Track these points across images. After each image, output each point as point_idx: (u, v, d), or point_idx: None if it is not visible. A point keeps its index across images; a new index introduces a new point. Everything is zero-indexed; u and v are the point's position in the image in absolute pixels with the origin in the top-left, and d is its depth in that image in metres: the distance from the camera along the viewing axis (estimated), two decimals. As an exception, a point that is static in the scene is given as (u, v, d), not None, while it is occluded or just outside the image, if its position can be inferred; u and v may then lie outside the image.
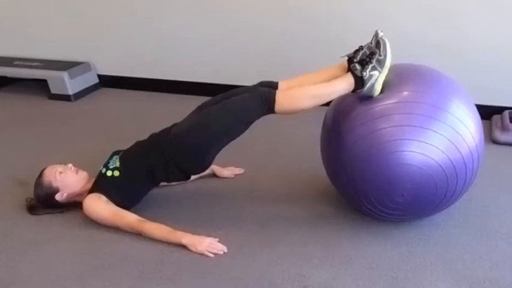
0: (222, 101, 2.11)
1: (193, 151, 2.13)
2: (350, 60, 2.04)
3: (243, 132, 2.10)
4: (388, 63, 1.97)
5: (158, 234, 2.08)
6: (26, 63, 4.04)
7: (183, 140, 2.13)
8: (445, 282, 1.84)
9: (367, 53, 2.00)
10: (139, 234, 2.12)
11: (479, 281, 1.84)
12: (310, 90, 2.01)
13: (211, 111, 2.10)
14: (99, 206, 2.17)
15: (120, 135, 3.11)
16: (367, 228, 2.15)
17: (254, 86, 2.14)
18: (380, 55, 1.96)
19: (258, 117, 2.05)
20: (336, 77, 2.05)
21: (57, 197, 2.27)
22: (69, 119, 3.55)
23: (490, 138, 2.94)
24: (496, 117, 3.09)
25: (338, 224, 2.19)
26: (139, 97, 3.93)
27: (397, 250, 2.01)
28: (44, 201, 2.30)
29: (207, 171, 2.57)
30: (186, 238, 2.04)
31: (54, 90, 3.91)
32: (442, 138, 1.87)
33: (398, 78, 2.03)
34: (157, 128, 2.32)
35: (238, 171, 2.66)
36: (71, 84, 3.87)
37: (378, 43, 1.98)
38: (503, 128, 2.93)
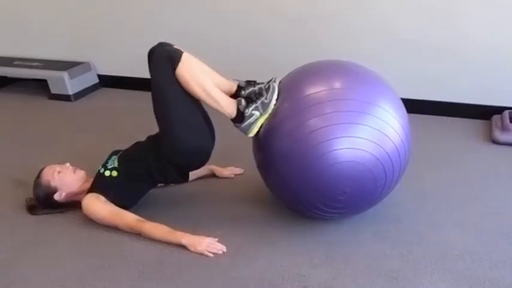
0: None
1: (181, 146, 2.10)
2: (239, 88, 2.10)
3: (183, 95, 2.05)
4: (270, 109, 2.00)
5: (157, 234, 2.08)
6: (26, 63, 4.04)
7: (168, 137, 2.11)
8: (445, 282, 1.84)
9: (256, 91, 2.04)
10: (139, 234, 2.12)
11: (479, 281, 1.84)
12: (207, 83, 2.03)
13: (152, 97, 2.10)
14: (98, 206, 2.17)
15: (119, 135, 3.11)
16: (367, 228, 2.15)
17: (156, 46, 2.12)
18: (266, 99, 2.00)
19: (172, 72, 2.01)
20: (223, 89, 2.08)
21: (56, 196, 2.27)
22: (69, 119, 3.55)
23: (490, 138, 2.94)
24: (496, 117, 3.09)
25: (338, 224, 2.19)
26: (139, 97, 3.91)
27: (397, 250, 2.01)
28: (43, 201, 2.30)
29: (207, 172, 2.58)
30: (186, 238, 2.04)
31: (54, 90, 3.91)
32: (370, 129, 1.87)
33: (325, 75, 2.02)
34: (157, 128, 2.31)
35: (238, 171, 2.66)
36: (71, 84, 3.88)
37: (268, 87, 2.02)
38: (503, 128, 2.93)
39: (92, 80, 4.10)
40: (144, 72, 3.99)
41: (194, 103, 2.10)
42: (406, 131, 1.99)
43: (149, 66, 2.11)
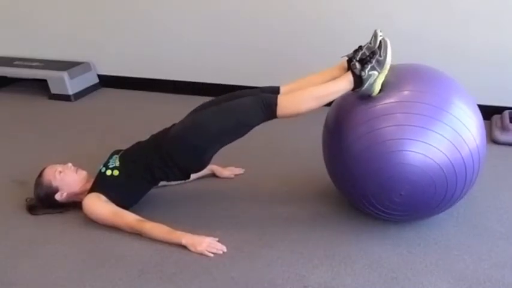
0: (223, 103, 2.11)
1: (192, 151, 2.13)
2: (349, 60, 2.05)
3: (242, 135, 2.11)
4: (387, 64, 1.97)
5: (158, 234, 2.08)
6: (26, 63, 4.04)
7: (182, 139, 2.13)
8: (445, 282, 1.84)
9: (367, 53, 2.01)
10: (139, 234, 2.12)
11: (479, 281, 1.84)
12: (311, 92, 2.02)
13: (212, 112, 2.10)
14: (98, 205, 2.17)
15: (120, 135, 3.11)
16: (367, 228, 2.15)
17: (256, 91, 2.16)
18: (380, 56, 1.97)
19: (260, 121, 2.05)
20: (335, 77, 2.06)
21: (57, 196, 2.27)
22: (69, 119, 3.55)
23: (490, 138, 2.94)
24: (496, 117, 3.09)
25: (338, 224, 2.19)
26: (139, 97, 3.93)
27: (397, 250, 2.01)
28: (43, 201, 2.30)
29: (207, 171, 2.58)
30: (186, 238, 2.04)
31: (54, 90, 3.91)
32: (442, 139, 1.86)
33: (399, 77, 2.03)
34: (157, 128, 2.32)
35: (239, 171, 2.66)
36: (71, 84, 3.88)
37: (380, 44, 1.99)
38: (503, 128, 2.93)
39: (92, 80, 4.10)
40: (144, 72, 4.04)
41: (232, 140, 2.13)
42: (479, 149, 1.93)
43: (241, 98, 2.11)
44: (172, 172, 2.22)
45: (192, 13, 3.64)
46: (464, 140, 1.89)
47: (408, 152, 1.86)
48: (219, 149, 2.17)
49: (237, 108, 2.06)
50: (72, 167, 2.34)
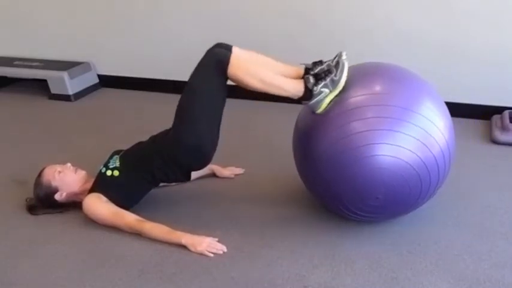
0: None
1: (191, 143, 2.11)
2: (306, 70, 2.07)
3: (220, 100, 2.08)
4: (340, 86, 1.98)
5: (158, 234, 2.08)
6: (26, 63, 4.04)
7: (178, 133, 2.12)
8: (445, 282, 1.84)
9: (325, 69, 2.02)
10: (139, 234, 2.12)
11: (479, 281, 1.84)
12: (264, 73, 2.02)
13: (182, 97, 2.12)
14: (98, 205, 2.17)
15: (120, 135, 3.11)
16: (367, 228, 2.15)
17: (209, 49, 2.13)
18: (335, 76, 1.98)
19: (214, 76, 2.03)
20: (287, 76, 2.07)
21: (57, 196, 2.27)
22: (69, 119, 3.55)
23: (490, 138, 2.94)
24: (496, 117, 3.09)
25: (338, 224, 2.19)
26: (139, 97, 3.93)
27: (397, 250, 2.02)
28: (43, 201, 2.30)
29: (207, 171, 2.58)
30: (186, 238, 2.04)
31: (54, 90, 3.91)
32: (412, 139, 1.86)
33: (368, 78, 2.02)
34: (157, 128, 2.32)
35: (239, 171, 2.66)
36: (71, 84, 3.88)
37: (337, 64, 2.00)
38: (503, 128, 2.93)
39: (92, 80, 4.10)
40: (144, 72, 4.04)
41: (217, 110, 2.11)
42: (449, 145, 1.95)
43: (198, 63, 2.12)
44: (173, 172, 2.22)
45: (192, 13, 3.64)
46: (434, 138, 1.89)
47: (380, 156, 1.86)
48: (216, 132, 2.14)
49: (193, 77, 2.07)
50: (71, 167, 2.34)
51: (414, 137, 1.86)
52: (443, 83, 3.25)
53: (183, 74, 3.96)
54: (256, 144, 2.84)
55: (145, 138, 2.35)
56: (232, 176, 2.63)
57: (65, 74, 3.85)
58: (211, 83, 2.05)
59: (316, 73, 2.02)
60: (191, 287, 1.86)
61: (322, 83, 1.98)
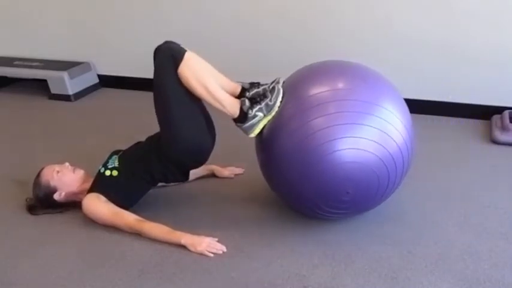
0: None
1: (180, 139, 2.10)
2: (243, 90, 2.09)
3: (188, 93, 2.05)
4: (274, 110, 1.99)
5: (157, 234, 2.08)
6: (26, 63, 4.04)
7: (167, 136, 2.12)
8: (445, 282, 1.84)
9: (261, 93, 2.04)
10: (138, 234, 2.12)
11: (479, 281, 1.84)
12: (209, 82, 2.02)
13: (153, 95, 2.10)
14: (98, 205, 2.17)
15: (120, 135, 3.11)
16: (367, 228, 2.15)
17: (159, 45, 2.10)
18: (270, 101, 1.99)
19: (169, 69, 2.01)
20: (227, 90, 2.08)
21: (56, 196, 2.27)
22: (69, 119, 3.55)
23: (490, 138, 2.94)
24: (496, 117, 3.09)
25: (338, 224, 2.19)
26: (139, 97, 3.92)
27: (397, 250, 2.01)
28: (42, 201, 2.30)
29: (207, 172, 2.58)
30: (185, 238, 2.04)
31: (54, 90, 3.91)
32: (374, 130, 1.87)
33: (329, 75, 2.02)
34: (157, 128, 2.31)
35: (239, 171, 2.66)
36: (71, 84, 3.88)
37: (273, 89, 2.01)
38: (503, 128, 2.93)
39: (92, 80, 4.10)
40: (144, 72, 4.03)
41: (195, 102, 2.10)
42: (409, 132, 1.99)
43: (154, 64, 2.10)
44: (171, 172, 2.22)
45: (192, 13, 3.65)
46: (394, 126, 1.91)
47: (343, 150, 1.86)
48: (204, 125, 2.13)
49: (157, 75, 2.05)
50: (70, 167, 2.34)
51: (376, 127, 1.87)
52: (443, 83, 3.26)
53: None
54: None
55: (144, 138, 2.35)
56: (232, 176, 2.63)
57: (65, 74, 3.85)
58: (175, 80, 2.02)
59: (252, 96, 2.04)
60: (191, 287, 1.86)
61: (257, 107, 2.00)
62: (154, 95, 2.10)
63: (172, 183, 2.42)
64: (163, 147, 2.15)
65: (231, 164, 2.66)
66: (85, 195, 2.22)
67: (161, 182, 2.31)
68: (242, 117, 2.04)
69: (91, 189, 2.23)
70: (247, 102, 2.03)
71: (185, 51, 2.02)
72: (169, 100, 2.05)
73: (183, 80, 2.01)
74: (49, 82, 3.90)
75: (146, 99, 3.84)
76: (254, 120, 2.02)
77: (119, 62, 4.06)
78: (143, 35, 3.86)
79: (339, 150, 1.86)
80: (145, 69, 3.97)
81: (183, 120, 2.08)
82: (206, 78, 2.03)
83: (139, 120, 3.44)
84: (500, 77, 3.13)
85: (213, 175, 2.62)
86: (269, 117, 2.02)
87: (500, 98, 3.16)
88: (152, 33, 3.84)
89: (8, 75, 4.08)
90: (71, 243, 2.14)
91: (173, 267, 1.96)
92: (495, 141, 2.91)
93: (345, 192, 1.94)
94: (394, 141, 1.91)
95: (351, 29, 3.30)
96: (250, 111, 2.01)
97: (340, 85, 1.96)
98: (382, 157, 1.89)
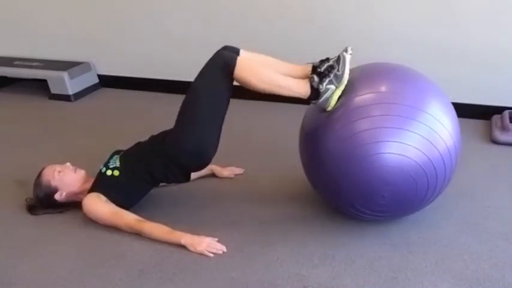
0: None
1: (190, 143, 2.11)
2: (314, 68, 2.07)
3: (223, 102, 2.08)
4: (345, 79, 1.98)
5: (157, 234, 2.08)
6: (26, 63, 4.04)
7: (179, 134, 2.12)
8: (445, 282, 1.84)
9: (330, 65, 2.02)
10: (138, 234, 2.12)
11: (479, 281, 1.84)
12: (270, 75, 2.02)
13: (186, 97, 2.12)
14: (98, 205, 2.17)
15: (120, 135, 3.11)
16: (367, 228, 2.15)
17: (217, 51, 2.13)
18: (338, 71, 1.98)
19: (220, 78, 2.03)
20: (296, 76, 2.07)
21: (57, 196, 2.27)
22: (69, 119, 3.55)
23: (490, 138, 2.94)
24: (496, 117, 3.09)
25: (338, 224, 2.19)
26: (139, 97, 3.93)
27: (397, 250, 2.02)
28: (43, 201, 2.30)
29: (207, 171, 2.58)
30: (185, 238, 2.04)
31: (54, 90, 3.91)
32: (419, 137, 1.86)
33: (375, 78, 2.02)
34: (157, 128, 2.32)
35: (239, 171, 2.66)
36: (71, 84, 3.88)
37: (338, 58, 2.00)
38: (503, 128, 2.93)
39: (92, 80, 4.10)
40: (144, 72, 4.04)
41: (220, 113, 2.11)
42: (454, 142, 1.95)
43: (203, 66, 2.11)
44: (173, 173, 2.22)
45: (192, 13, 3.64)
46: (440, 136, 1.89)
47: (386, 154, 1.86)
48: (214, 134, 2.14)
49: (198, 78, 2.07)
50: (71, 167, 2.34)
51: (421, 135, 1.86)
52: (443, 83, 3.24)
53: (183, 74, 3.98)
54: (256, 144, 2.84)
55: (145, 138, 2.35)
56: (232, 176, 2.63)
57: (65, 74, 3.85)
58: (216, 86, 2.05)
59: (320, 71, 2.01)
60: (191, 287, 1.86)
61: (327, 80, 1.98)
62: (187, 96, 2.11)
63: (173, 184, 2.42)
64: (169, 146, 2.15)
65: (230, 164, 2.66)
66: (86, 195, 2.22)
67: (162, 182, 2.31)
68: (315, 94, 2.00)
69: (92, 189, 2.23)
70: (315, 78, 1.99)
71: (237, 56, 2.02)
72: (200, 103, 2.06)
73: (243, 83, 2.02)
74: (49, 82, 3.90)
75: (146, 99, 3.89)
76: (327, 94, 1.98)
77: (118, 62, 4.06)
78: (143, 35, 3.87)
79: (382, 153, 1.86)
80: (146, 69, 4.03)
81: (203, 125, 2.09)
82: (265, 73, 2.02)
83: (139, 120, 3.44)
84: (500, 77, 3.13)
85: (213, 175, 2.62)
86: (341, 88, 1.98)
87: (500, 98, 3.16)
88: (152, 34, 3.84)
89: (8, 75, 4.08)
90: (71, 243, 2.14)
91: (173, 267, 1.96)
92: (495, 141, 2.91)
93: (381, 196, 1.93)
94: (438, 150, 1.89)
95: (350, 29, 3.30)
96: (320, 86, 1.98)
97: (385, 88, 1.96)
98: (424, 166, 1.88)
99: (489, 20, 3.02)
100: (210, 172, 2.60)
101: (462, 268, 1.91)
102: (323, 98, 1.99)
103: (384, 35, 3.25)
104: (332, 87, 1.98)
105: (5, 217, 2.34)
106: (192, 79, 3.64)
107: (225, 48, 2.14)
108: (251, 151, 2.85)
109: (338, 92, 1.99)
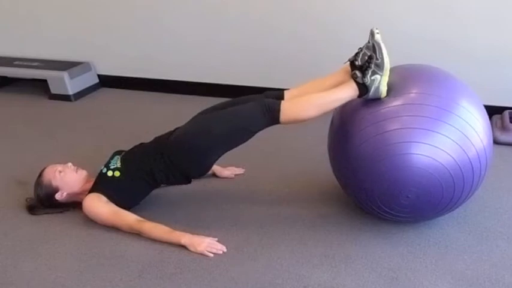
0: (227, 108, 2.12)
1: (195, 155, 2.13)
2: (352, 63, 2.05)
3: (245, 140, 2.11)
4: (387, 64, 1.97)
5: (157, 234, 2.08)
6: (26, 63, 4.04)
7: (184, 143, 2.13)
8: (445, 282, 1.84)
9: (367, 53, 2.00)
10: (138, 234, 2.12)
11: (479, 281, 1.84)
12: (315, 99, 2.02)
13: (215, 117, 2.11)
14: (98, 205, 2.17)
15: (120, 135, 3.11)
16: (367, 228, 2.15)
17: (260, 96, 2.16)
18: (377, 59, 1.97)
19: (263, 126, 2.05)
20: (341, 81, 2.06)
21: (57, 196, 2.27)
22: (69, 119, 3.55)
23: (490, 138, 2.94)
24: (496, 117, 3.09)
25: (338, 224, 2.19)
26: (139, 97, 3.93)
27: (397, 250, 2.02)
28: (44, 201, 2.30)
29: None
30: (186, 238, 2.04)
31: (54, 90, 3.91)
32: (449, 141, 1.85)
33: (406, 79, 2.02)
34: (157, 128, 2.32)
35: (239, 171, 2.66)
36: (71, 84, 3.88)
37: (373, 47, 1.99)
38: (503, 128, 2.93)
39: (92, 80, 4.10)
40: (144, 73, 4.04)
41: (238, 143, 2.13)
42: (485, 146, 1.92)
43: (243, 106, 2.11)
44: (174, 176, 2.22)
45: (193, 13, 3.64)
46: (471, 141, 1.87)
47: (415, 154, 1.85)
48: (221, 155, 2.17)
49: (239, 114, 2.07)
50: (72, 167, 2.34)
51: (452, 139, 1.85)
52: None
53: (183, 74, 4.00)
54: (256, 144, 2.83)
55: (145, 138, 2.35)
56: (232, 176, 2.63)
57: (65, 74, 3.85)
58: (252, 125, 2.05)
59: (360, 65, 2.00)
60: (191, 287, 1.86)
61: (370, 71, 1.96)
62: (222, 116, 2.10)
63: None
64: (176, 150, 2.15)
65: (230, 164, 2.66)
66: (86, 195, 2.22)
67: (163, 183, 2.30)
68: (363, 89, 1.99)
69: (92, 189, 2.23)
70: (358, 74, 1.98)
71: (279, 103, 2.02)
72: (228, 133, 2.07)
73: (294, 122, 2.04)
74: (49, 82, 3.90)
75: (146, 99, 3.89)
76: (375, 85, 1.96)
77: (118, 62, 4.06)
78: (143, 36, 3.86)
79: (411, 153, 1.85)
80: (146, 70, 4.03)
81: (217, 147, 2.13)
82: (310, 101, 2.02)
83: (139, 120, 3.44)
84: (500, 77, 3.13)
85: (213, 175, 2.62)
86: (387, 73, 1.97)
87: (500, 98, 3.16)
88: (152, 34, 3.84)
89: (8, 75, 4.08)
90: (71, 243, 2.14)
91: (173, 267, 1.96)
92: (495, 141, 2.90)
93: (405, 196, 1.93)
94: (467, 155, 1.87)
95: (350, 29, 3.29)
96: (366, 80, 1.96)
97: (418, 89, 1.95)
98: (452, 171, 1.86)
99: (489, 20, 3.02)
100: (210, 172, 2.60)
101: (462, 268, 1.91)
102: (373, 90, 1.97)
103: (383, 34, 3.24)
104: (377, 76, 1.96)
105: (5, 217, 2.34)
106: (191, 79, 3.63)
107: (267, 95, 2.16)
108: (251, 151, 2.84)
109: (385, 78, 1.97)
